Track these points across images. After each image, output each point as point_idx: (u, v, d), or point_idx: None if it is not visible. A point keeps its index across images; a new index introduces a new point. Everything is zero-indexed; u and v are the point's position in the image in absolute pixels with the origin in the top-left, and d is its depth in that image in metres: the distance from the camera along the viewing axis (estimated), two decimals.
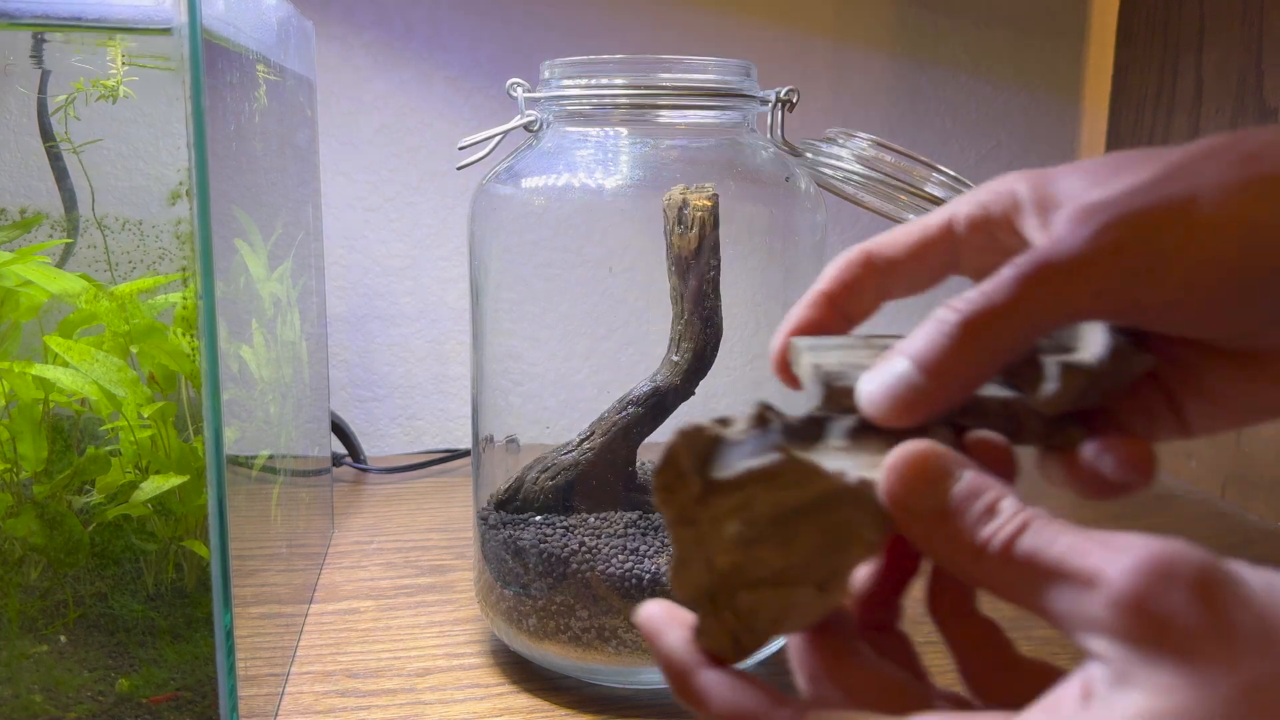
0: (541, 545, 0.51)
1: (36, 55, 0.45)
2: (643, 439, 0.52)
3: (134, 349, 0.47)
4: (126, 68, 0.44)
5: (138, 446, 0.46)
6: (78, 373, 0.45)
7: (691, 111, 0.52)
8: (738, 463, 0.26)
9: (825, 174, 0.55)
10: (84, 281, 0.46)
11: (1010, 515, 0.24)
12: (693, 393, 0.51)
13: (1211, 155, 0.26)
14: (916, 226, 0.32)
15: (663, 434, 0.52)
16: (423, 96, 0.90)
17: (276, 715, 0.50)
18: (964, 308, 0.26)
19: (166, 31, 0.40)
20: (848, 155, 0.54)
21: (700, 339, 0.50)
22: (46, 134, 0.47)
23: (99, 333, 0.47)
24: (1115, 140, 0.98)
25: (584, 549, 0.50)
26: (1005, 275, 0.26)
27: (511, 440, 0.56)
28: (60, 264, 0.48)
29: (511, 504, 0.53)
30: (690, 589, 0.27)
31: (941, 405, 0.27)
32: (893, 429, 0.27)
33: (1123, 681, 0.21)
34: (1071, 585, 0.22)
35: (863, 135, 0.55)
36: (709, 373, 0.51)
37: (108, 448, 0.47)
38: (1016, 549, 0.23)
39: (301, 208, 0.64)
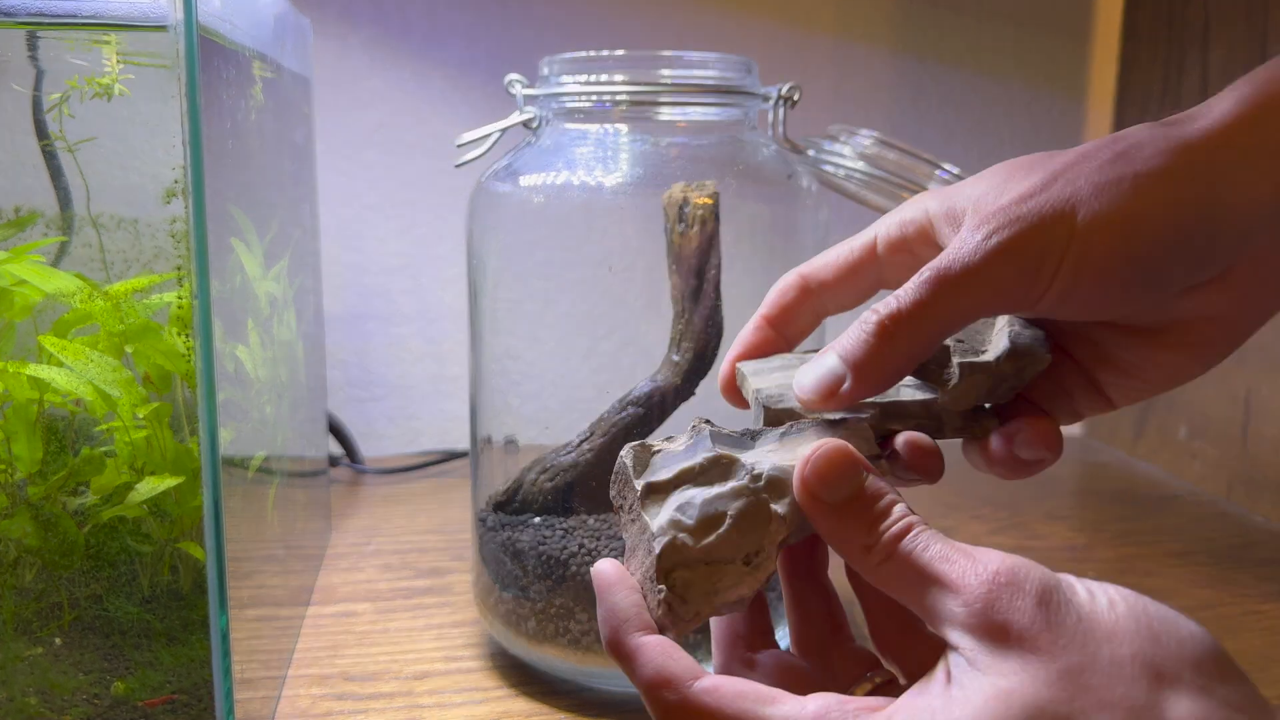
0: (540, 547, 0.51)
1: (32, 52, 0.45)
2: (643, 440, 0.51)
3: (129, 349, 0.46)
4: (122, 65, 0.44)
5: (133, 447, 0.46)
6: (72, 373, 0.45)
7: (692, 108, 0.51)
8: (674, 466, 0.31)
9: (827, 171, 0.55)
10: (79, 281, 0.46)
11: (897, 519, 0.28)
12: (693, 393, 0.50)
13: (1088, 158, 0.30)
14: (844, 249, 0.36)
15: (663, 434, 0.51)
16: (420, 94, 0.89)
17: (273, 719, 0.50)
18: (882, 310, 0.31)
19: (162, 29, 0.39)
20: (850, 152, 0.54)
21: (701, 339, 0.49)
22: (41, 132, 0.46)
23: (94, 332, 0.47)
24: None
25: (583, 551, 0.50)
26: (913, 282, 0.30)
27: (510, 441, 0.55)
28: (55, 263, 0.48)
29: (510, 505, 0.53)
30: (636, 574, 0.31)
31: (864, 394, 0.31)
32: (819, 425, 0.32)
33: (975, 667, 0.26)
34: (938, 587, 0.27)
35: (865, 132, 0.54)
36: (709, 373, 0.50)
37: (103, 448, 0.46)
38: (899, 549, 0.28)
39: (298, 206, 0.63)
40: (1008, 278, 0.30)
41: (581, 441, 0.51)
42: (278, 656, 0.54)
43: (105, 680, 0.45)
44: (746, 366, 0.36)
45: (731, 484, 0.30)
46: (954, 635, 0.27)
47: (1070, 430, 1.08)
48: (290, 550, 0.59)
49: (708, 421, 0.32)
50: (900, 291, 0.31)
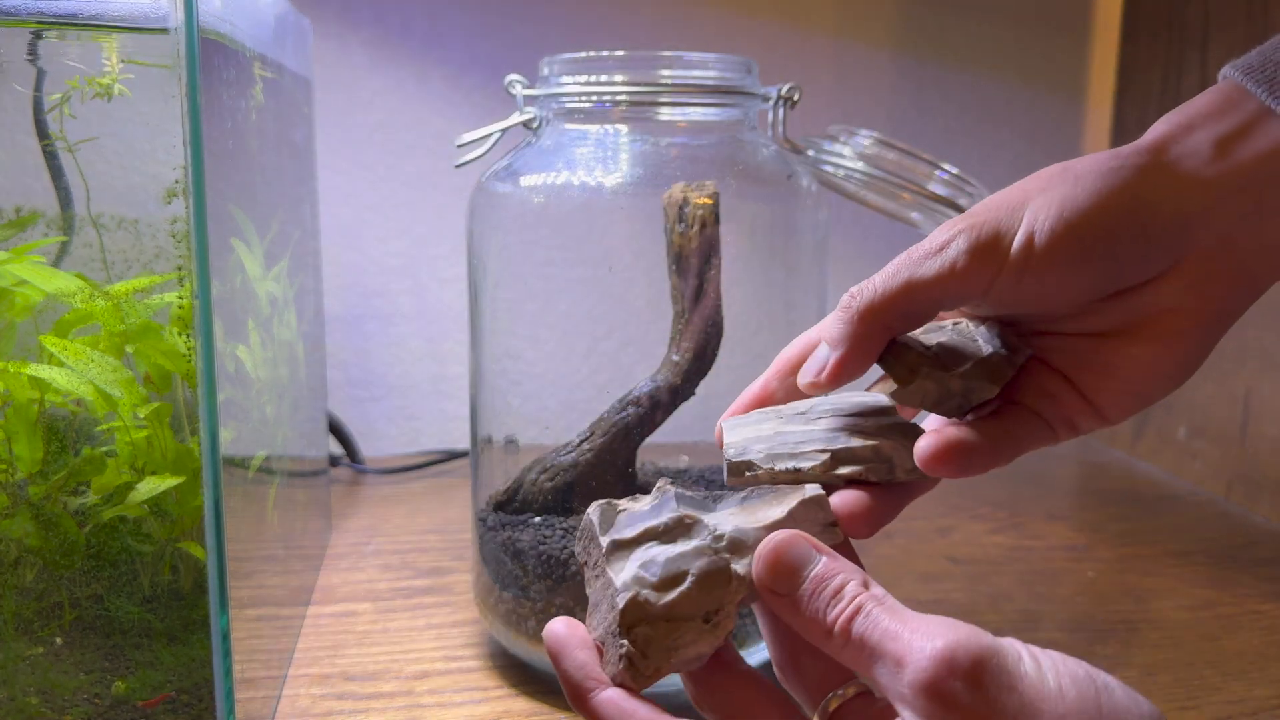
0: (540, 547, 0.51)
1: (32, 53, 0.45)
2: (643, 439, 0.51)
3: (130, 349, 0.46)
4: (122, 65, 0.44)
5: (134, 447, 0.46)
6: (73, 373, 0.45)
7: (692, 109, 0.51)
8: (639, 524, 0.33)
9: (827, 172, 0.55)
10: (79, 281, 0.46)
11: (849, 600, 0.30)
12: (693, 393, 0.50)
13: (1039, 174, 0.35)
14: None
15: (663, 435, 0.51)
16: (420, 94, 0.89)
17: (273, 719, 0.50)
18: (855, 292, 0.34)
19: (163, 29, 0.39)
20: (850, 153, 0.54)
21: (701, 339, 0.49)
22: (42, 132, 0.46)
23: (95, 332, 0.47)
24: (1120, 137, 0.98)
25: None
26: (883, 269, 0.34)
27: (510, 441, 0.55)
28: (55, 263, 0.48)
29: (510, 505, 0.53)
30: (598, 629, 0.32)
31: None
32: (777, 491, 0.34)
33: None
34: (887, 663, 0.28)
35: (865, 132, 0.54)
36: (709, 373, 0.50)
37: (103, 448, 0.46)
38: (852, 631, 0.29)
39: (298, 206, 0.63)
40: (962, 254, 0.33)
41: (581, 441, 0.51)
42: (278, 656, 0.54)
43: (106, 680, 0.45)
44: (726, 423, 0.38)
45: (695, 543, 0.32)
46: (904, 711, 0.28)
47: None
48: (290, 550, 0.59)
49: (672, 482, 0.34)
50: (872, 276, 0.34)
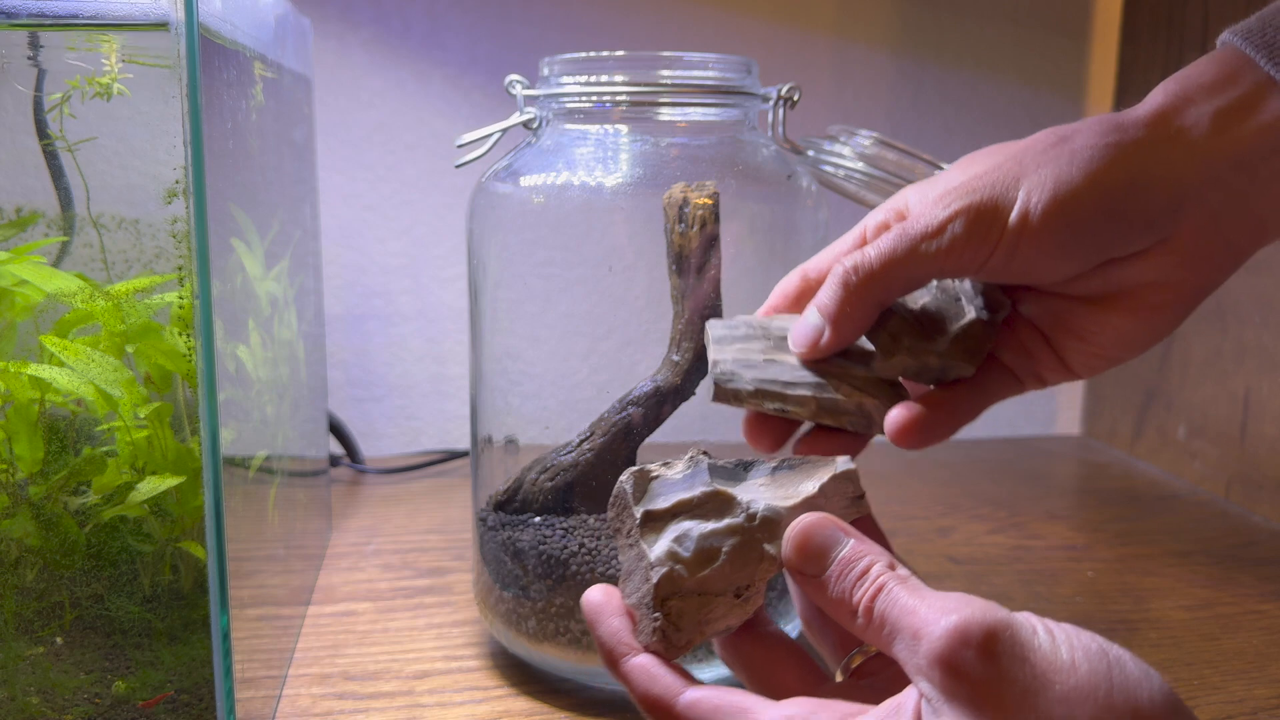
0: (541, 547, 0.51)
1: (33, 53, 0.45)
2: (643, 439, 0.51)
3: (130, 349, 0.46)
4: (122, 65, 0.44)
5: (134, 447, 0.46)
6: (74, 373, 0.45)
7: (692, 109, 0.51)
8: (672, 495, 0.33)
9: (827, 172, 0.55)
10: (79, 281, 0.46)
11: (873, 580, 0.30)
12: (693, 393, 0.50)
13: (1036, 142, 0.35)
14: (838, 242, 0.40)
15: (663, 434, 0.51)
16: (421, 94, 0.89)
17: (274, 718, 0.50)
18: (848, 264, 0.35)
19: (164, 29, 0.39)
20: (850, 153, 0.54)
21: (701, 339, 0.49)
22: (42, 132, 0.46)
23: (95, 332, 0.47)
24: None
25: (584, 551, 0.50)
26: (879, 240, 0.35)
27: (510, 440, 0.55)
28: (56, 263, 0.48)
29: (510, 505, 0.53)
30: (632, 597, 0.33)
31: (840, 342, 0.36)
32: (807, 463, 0.35)
33: (936, 715, 0.27)
34: (904, 639, 0.29)
35: (865, 132, 0.54)
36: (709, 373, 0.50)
37: (104, 448, 0.47)
38: (875, 609, 0.30)
39: (298, 206, 0.63)
40: (960, 238, 0.34)
41: (582, 441, 0.51)
42: (278, 656, 0.54)
43: (106, 680, 0.45)
44: (714, 328, 0.39)
45: (727, 521, 0.33)
46: (921, 683, 0.28)
47: (1070, 430, 1.08)
48: (291, 550, 0.59)
49: (705, 453, 0.35)
50: (868, 247, 0.35)
